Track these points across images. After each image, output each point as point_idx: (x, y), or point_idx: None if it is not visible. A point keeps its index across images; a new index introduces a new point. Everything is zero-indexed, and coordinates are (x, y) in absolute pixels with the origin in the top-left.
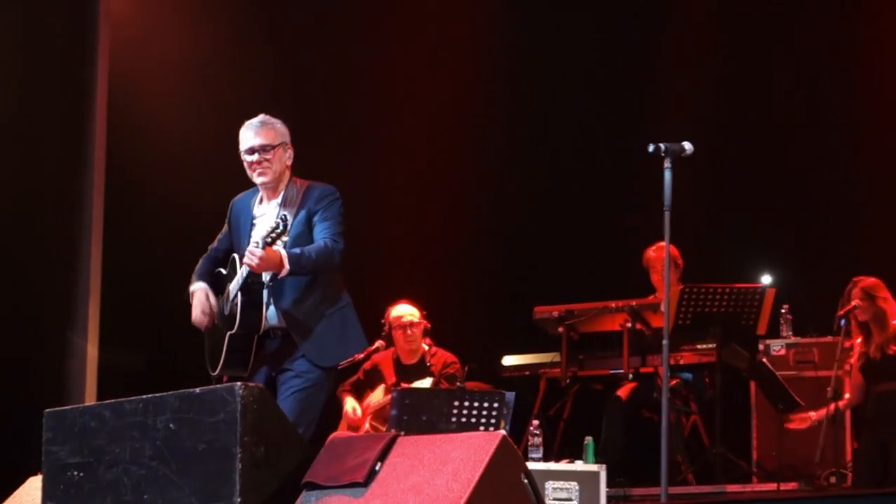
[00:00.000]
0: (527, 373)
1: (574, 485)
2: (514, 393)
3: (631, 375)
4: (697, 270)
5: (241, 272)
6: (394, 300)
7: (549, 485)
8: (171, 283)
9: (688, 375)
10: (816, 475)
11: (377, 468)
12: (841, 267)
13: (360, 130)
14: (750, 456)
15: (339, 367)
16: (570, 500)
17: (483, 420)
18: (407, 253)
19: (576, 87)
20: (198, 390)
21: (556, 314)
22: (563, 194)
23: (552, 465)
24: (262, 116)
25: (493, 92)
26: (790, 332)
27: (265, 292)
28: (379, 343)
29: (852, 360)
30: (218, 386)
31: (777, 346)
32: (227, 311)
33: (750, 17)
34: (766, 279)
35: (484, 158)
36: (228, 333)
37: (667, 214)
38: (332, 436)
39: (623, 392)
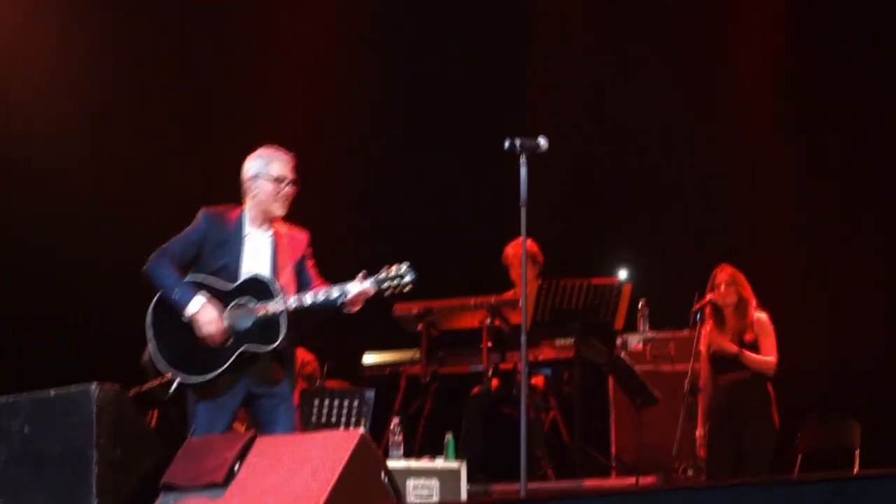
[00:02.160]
0: (387, 371)
1: (435, 482)
2: (374, 391)
3: (490, 372)
4: (557, 266)
5: (298, 298)
6: None
7: (410, 482)
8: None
9: (547, 371)
10: (674, 468)
11: (236, 468)
12: (696, 262)
13: (218, 123)
14: (609, 450)
15: None
16: (430, 497)
17: (343, 418)
18: None
19: (434, 84)
20: (52, 393)
21: (415, 311)
22: (421, 191)
23: (413, 463)
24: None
25: (351, 86)
26: (647, 327)
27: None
28: None
29: (701, 347)
30: (72, 388)
31: (634, 341)
32: (243, 326)
33: (611, 15)
34: (623, 274)
35: (343, 155)
36: (247, 346)
37: (523, 210)
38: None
39: (483, 389)
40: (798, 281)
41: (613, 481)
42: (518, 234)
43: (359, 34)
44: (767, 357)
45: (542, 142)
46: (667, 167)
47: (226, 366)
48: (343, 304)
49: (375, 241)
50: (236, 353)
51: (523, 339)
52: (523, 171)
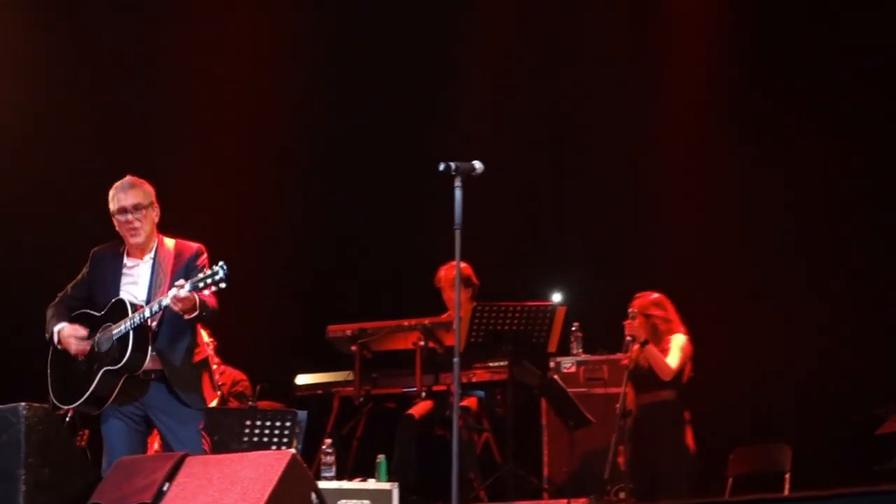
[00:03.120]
0: (320, 392)
1: (367, 503)
2: (306, 412)
3: (424, 394)
4: (491, 289)
5: (140, 314)
6: None
7: (342, 503)
8: None
9: (480, 393)
10: (606, 490)
11: (165, 488)
12: (630, 284)
13: (156, 141)
14: (541, 472)
15: None
16: None
17: (275, 439)
18: None
19: (367, 108)
20: None
21: (349, 333)
22: (356, 213)
23: (345, 484)
24: (130, 178)
25: (286, 112)
26: (580, 350)
27: (150, 335)
28: None
29: (625, 361)
30: (1, 407)
31: (567, 364)
32: (104, 349)
33: (545, 35)
34: (557, 297)
35: (276, 177)
36: (105, 369)
37: (457, 233)
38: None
39: (416, 410)
40: (730, 305)
41: (545, 503)
42: (452, 256)
43: (289, 56)
44: (669, 360)
45: (478, 165)
46: (601, 189)
47: (90, 389)
48: (171, 308)
49: (310, 263)
50: (98, 377)
51: (456, 361)
52: (458, 193)
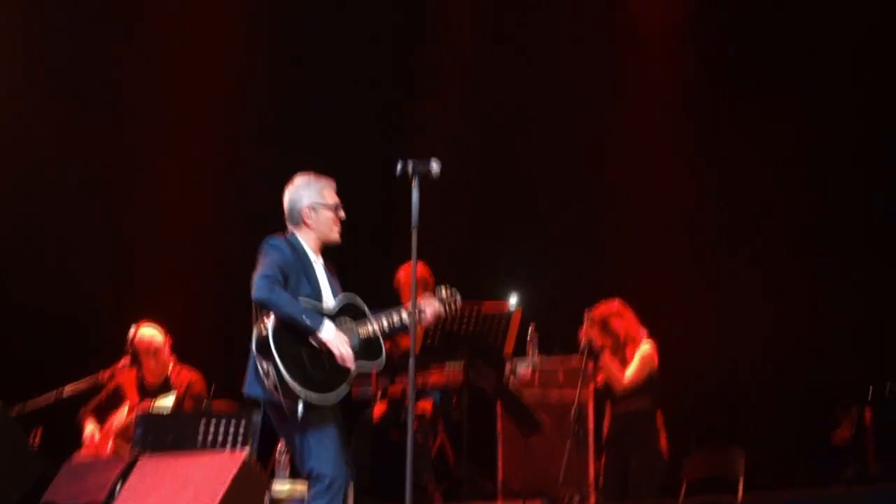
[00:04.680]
0: None
1: None
2: (261, 413)
3: (379, 396)
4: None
5: (394, 317)
6: (142, 314)
7: None
8: None
9: (436, 396)
10: (560, 494)
11: (117, 489)
12: (587, 284)
13: (110, 146)
14: (496, 476)
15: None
16: None
17: (230, 440)
18: (156, 267)
19: (327, 106)
20: None
21: None
22: None
23: (299, 486)
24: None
25: (242, 113)
26: (537, 353)
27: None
28: (124, 361)
29: (599, 378)
30: None
31: (523, 367)
32: (355, 346)
33: (502, 37)
34: (514, 300)
35: (230, 177)
36: (358, 364)
37: (414, 233)
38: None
39: (372, 413)
40: (686, 309)
41: None
42: (409, 257)
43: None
44: (624, 373)
45: (435, 165)
46: (559, 189)
47: (346, 382)
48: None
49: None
50: (351, 372)
51: (412, 363)
52: (415, 193)
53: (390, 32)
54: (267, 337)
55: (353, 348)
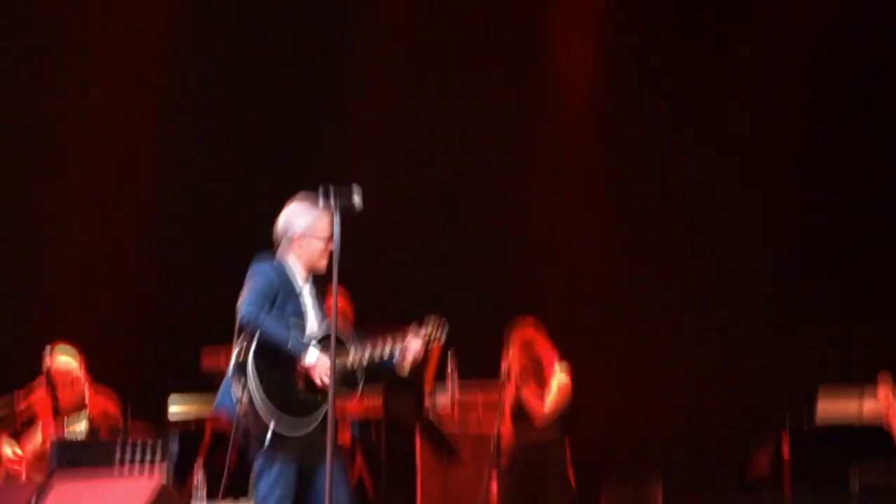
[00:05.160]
0: (192, 417)
1: None
2: (178, 437)
3: None
4: (369, 321)
5: (388, 351)
6: (61, 336)
7: None
8: None
9: (354, 426)
10: None
11: None
12: (506, 310)
13: (15, 164)
14: None
15: None
16: None
17: (146, 463)
18: (75, 290)
19: (248, 133)
20: None
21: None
22: (233, 236)
23: None
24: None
25: (169, 136)
26: (456, 382)
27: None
28: (39, 392)
29: (506, 403)
30: None
31: (443, 399)
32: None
33: (425, 63)
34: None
35: (151, 198)
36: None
37: (335, 262)
38: None
39: None
40: (604, 340)
41: None
42: (329, 283)
43: (170, 77)
44: (544, 404)
45: (357, 193)
46: (479, 220)
47: (318, 414)
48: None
49: (187, 284)
50: (325, 406)
51: (331, 393)
52: (337, 222)
53: (308, 60)
54: (246, 361)
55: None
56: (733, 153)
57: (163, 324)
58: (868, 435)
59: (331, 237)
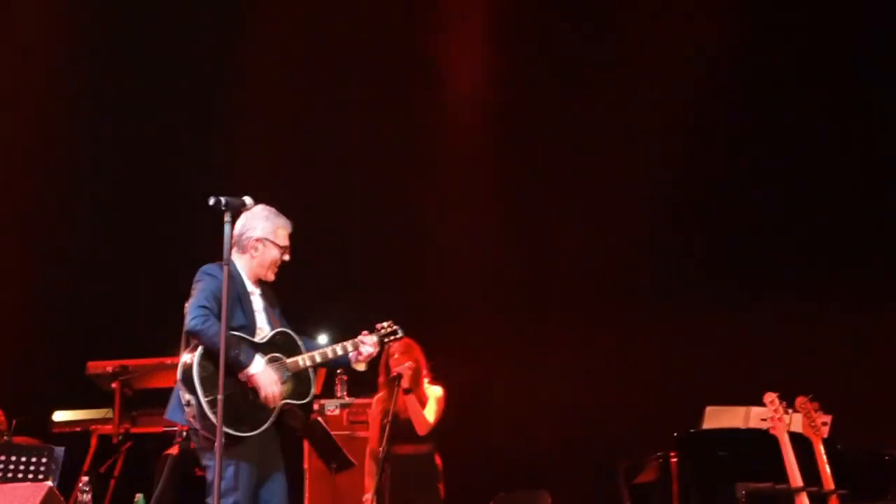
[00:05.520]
0: (78, 429)
1: None
2: (63, 448)
3: (185, 433)
4: None
5: (328, 353)
6: None
7: None
8: None
9: None
10: None
11: None
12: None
13: None
14: None
15: None
16: None
17: (31, 475)
18: None
19: (134, 139)
20: None
21: (110, 370)
22: (122, 248)
23: None
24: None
25: (45, 147)
26: (345, 392)
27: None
28: None
29: (373, 412)
30: None
31: (332, 406)
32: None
33: (320, 81)
34: (323, 339)
35: (35, 213)
36: (287, 401)
37: (226, 269)
38: None
39: (176, 449)
40: (491, 349)
41: None
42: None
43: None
44: (427, 414)
45: (248, 200)
46: (370, 233)
47: (270, 420)
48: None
49: (71, 299)
50: (277, 409)
51: (220, 399)
52: (227, 229)
53: (197, 68)
54: (191, 368)
55: (283, 382)
56: (626, 169)
57: (48, 339)
58: (754, 441)
59: (286, 249)
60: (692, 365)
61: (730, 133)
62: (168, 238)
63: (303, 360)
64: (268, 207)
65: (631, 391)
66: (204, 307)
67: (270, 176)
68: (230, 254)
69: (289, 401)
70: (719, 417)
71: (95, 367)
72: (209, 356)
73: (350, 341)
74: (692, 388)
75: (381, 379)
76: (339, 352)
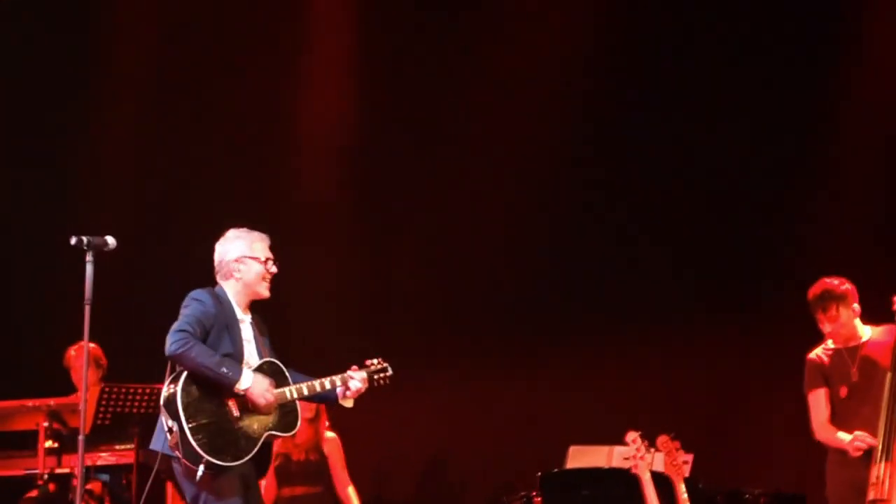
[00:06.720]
0: None
1: None
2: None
3: (46, 476)
4: (119, 370)
5: (315, 385)
6: None
7: None
8: None
9: (105, 477)
10: None
11: None
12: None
13: None
14: None
15: None
16: None
17: None
18: None
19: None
20: None
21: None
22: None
23: None
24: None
25: None
26: None
27: None
28: None
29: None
30: None
31: None
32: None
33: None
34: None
35: None
36: (271, 432)
37: (87, 309)
38: None
39: (35, 493)
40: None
41: None
42: (81, 334)
43: None
44: (345, 479)
45: (111, 240)
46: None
47: (255, 450)
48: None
49: None
50: (262, 439)
51: (81, 441)
52: (89, 268)
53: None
54: (174, 395)
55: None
56: (477, 212)
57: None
58: (617, 481)
59: (270, 260)
60: (555, 403)
61: (581, 156)
62: (27, 278)
63: (290, 391)
64: (238, 229)
65: (493, 431)
66: (185, 331)
67: (135, 217)
68: (90, 293)
69: (274, 432)
70: (583, 457)
71: None
72: (193, 380)
73: (339, 376)
74: (555, 427)
75: None
76: (328, 386)
